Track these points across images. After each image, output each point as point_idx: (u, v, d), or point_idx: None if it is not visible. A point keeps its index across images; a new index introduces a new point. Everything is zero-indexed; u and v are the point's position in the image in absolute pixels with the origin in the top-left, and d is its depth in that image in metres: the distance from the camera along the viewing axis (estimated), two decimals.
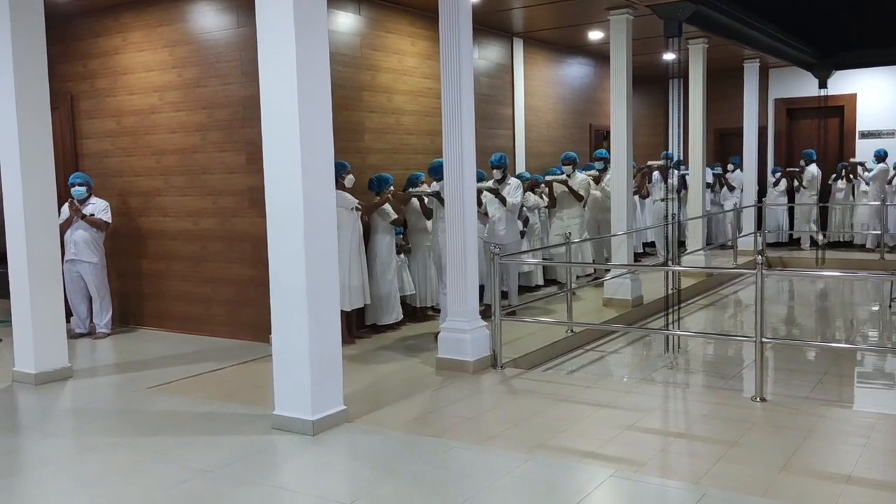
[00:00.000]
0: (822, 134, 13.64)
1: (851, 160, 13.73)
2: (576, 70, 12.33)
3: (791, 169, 13.79)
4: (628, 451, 4.37)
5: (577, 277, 9.74)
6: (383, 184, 7.49)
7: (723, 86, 13.75)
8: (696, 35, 10.56)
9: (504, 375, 6.06)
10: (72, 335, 7.40)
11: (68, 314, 7.25)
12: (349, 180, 7.16)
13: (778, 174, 14.18)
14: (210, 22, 7.34)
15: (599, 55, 12.22)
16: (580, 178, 9.65)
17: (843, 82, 13.59)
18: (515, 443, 4.54)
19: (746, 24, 9.20)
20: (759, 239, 12.77)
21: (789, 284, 11.39)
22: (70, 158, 8.27)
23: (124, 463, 4.42)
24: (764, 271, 5.28)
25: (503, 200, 7.86)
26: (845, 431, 4.74)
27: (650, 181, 12.18)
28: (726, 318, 9.35)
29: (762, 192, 13.91)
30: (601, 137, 12.86)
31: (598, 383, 6.02)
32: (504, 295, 7.66)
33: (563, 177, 9.54)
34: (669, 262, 7.94)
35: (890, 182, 13.14)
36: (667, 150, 11.07)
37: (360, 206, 7.11)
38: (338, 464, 4.39)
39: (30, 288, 6.04)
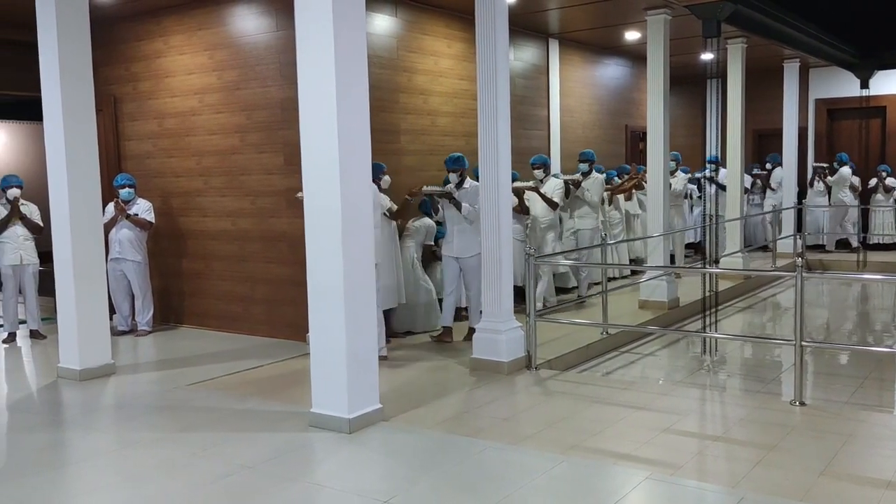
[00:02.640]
0: (863, 135, 13.41)
1: (815, 164, 13.62)
2: (612, 71, 12.26)
3: (759, 172, 13.62)
4: (664, 454, 4.35)
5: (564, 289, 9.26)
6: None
7: (762, 86, 13.58)
8: (735, 35, 10.44)
9: (539, 376, 6.06)
10: (114, 332, 7.55)
11: (111, 312, 7.40)
12: (385, 181, 7.21)
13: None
14: (249, 25, 7.46)
15: (636, 55, 12.14)
16: (553, 184, 8.49)
17: (886, 82, 13.33)
18: (550, 444, 4.54)
19: (786, 24, 9.08)
20: (799, 241, 12.58)
21: (829, 287, 11.21)
22: (113, 159, 8.45)
23: (166, 457, 4.51)
24: (804, 274, 5.22)
25: (458, 206, 6.97)
26: (885, 436, 4.66)
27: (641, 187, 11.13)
28: (765, 322, 9.23)
29: (802, 194, 13.70)
30: (637, 138, 12.78)
31: (634, 385, 6.00)
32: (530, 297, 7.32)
33: (530, 183, 8.45)
34: (707, 265, 7.85)
35: (854, 189, 13.21)
36: (677, 152, 10.80)
37: (388, 213, 7.08)
38: (374, 462, 4.44)
39: (75, 286, 6.19)
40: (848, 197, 13.30)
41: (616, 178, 10.84)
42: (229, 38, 7.59)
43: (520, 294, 7.09)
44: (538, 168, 8.52)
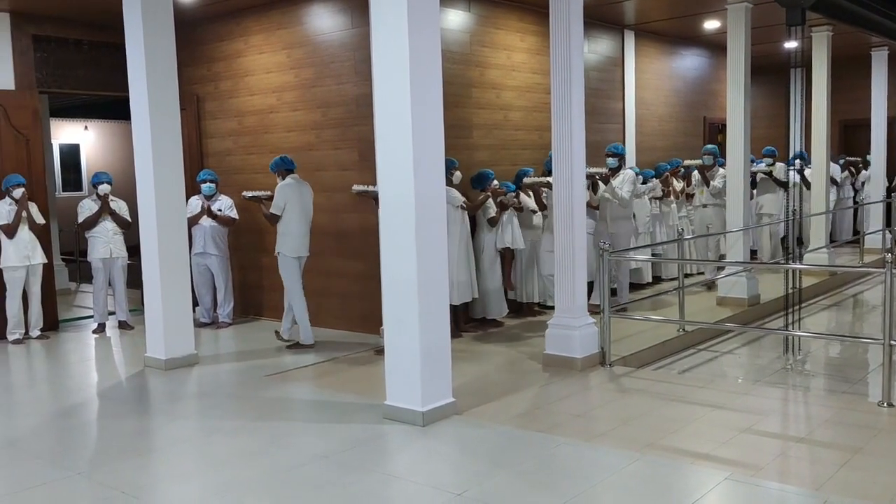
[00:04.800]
0: None
1: (847, 158, 12.87)
2: (690, 62, 11.98)
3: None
4: (744, 455, 4.24)
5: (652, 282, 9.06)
6: (484, 180, 7.48)
7: (849, 75, 13.03)
8: (821, 22, 10.05)
9: (613, 373, 5.99)
10: (196, 324, 7.78)
11: (194, 304, 7.64)
12: (457, 177, 7.23)
13: None
14: (325, 23, 7.58)
15: (716, 46, 11.84)
16: None
17: None
18: (625, 441, 4.49)
19: (874, 11, 8.67)
20: (889, 236, 12.05)
21: None
22: (196, 157, 8.72)
23: (246, 445, 4.65)
24: (894, 270, 5.00)
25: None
26: None
27: (689, 184, 10.10)
28: (851, 320, 8.88)
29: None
30: (716, 130, 12.47)
31: (712, 384, 5.86)
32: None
33: (545, 178, 7.72)
34: (789, 260, 7.61)
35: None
36: (715, 144, 10.18)
37: (465, 205, 7.12)
38: (447, 455, 4.47)
39: (161, 279, 6.43)
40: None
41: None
42: (306, 36, 7.74)
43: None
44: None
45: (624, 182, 8.12)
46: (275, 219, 7.00)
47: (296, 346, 7.08)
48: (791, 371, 6.59)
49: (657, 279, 9.80)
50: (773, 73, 12.93)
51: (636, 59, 10.60)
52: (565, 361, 6.07)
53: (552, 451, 4.37)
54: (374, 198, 6.76)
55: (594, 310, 6.40)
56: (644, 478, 4.00)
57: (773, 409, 5.17)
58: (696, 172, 9.87)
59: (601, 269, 6.34)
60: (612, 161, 8.15)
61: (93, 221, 7.94)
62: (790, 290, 6.79)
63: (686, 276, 9.30)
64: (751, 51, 8.42)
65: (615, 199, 8.10)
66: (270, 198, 7.16)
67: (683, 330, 7.13)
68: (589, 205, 7.57)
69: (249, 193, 7.38)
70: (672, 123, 11.55)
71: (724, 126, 9.20)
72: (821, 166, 10.61)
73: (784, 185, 10.48)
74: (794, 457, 4.25)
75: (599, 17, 9.64)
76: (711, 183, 9.38)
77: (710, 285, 9.26)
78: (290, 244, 7.02)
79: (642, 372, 6.14)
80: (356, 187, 7.03)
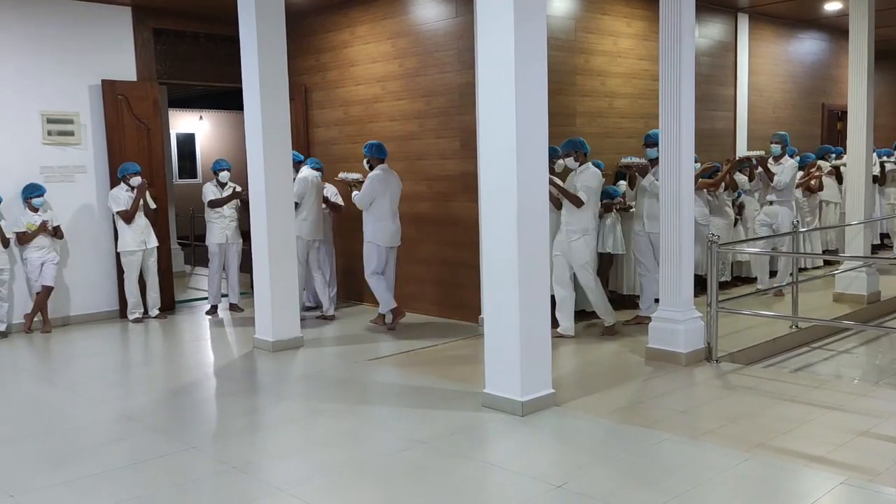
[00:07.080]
0: None
1: None
2: (808, 45, 11.40)
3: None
4: (862, 459, 4.02)
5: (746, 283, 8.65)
6: None
7: None
8: None
9: (720, 370, 5.79)
10: (302, 308, 8.02)
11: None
12: (559, 165, 7.14)
13: None
14: (429, 13, 7.63)
15: (836, 29, 11.22)
16: (588, 175, 6.64)
17: None
18: (732, 440, 4.33)
19: None
20: None
21: None
22: (303, 146, 8.95)
23: (348, 427, 4.76)
24: None
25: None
26: None
27: (751, 178, 8.73)
28: None
29: None
30: (836, 118, 11.83)
31: (827, 384, 5.58)
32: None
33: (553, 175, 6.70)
34: None
35: None
36: (785, 132, 9.22)
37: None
38: (546, 446, 4.44)
39: (269, 265, 6.64)
40: None
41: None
42: (410, 25, 7.81)
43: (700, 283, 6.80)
44: (569, 154, 6.71)
45: (659, 174, 6.81)
46: (294, 206, 7.62)
47: (322, 318, 8.01)
48: None
49: (771, 273, 9.38)
50: None
51: (750, 44, 10.17)
52: (669, 356, 5.92)
53: (655, 447, 4.27)
54: (350, 184, 7.52)
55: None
56: (753, 479, 3.85)
57: (892, 411, 4.87)
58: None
59: (710, 261, 6.13)
60: (651, 151, 6.96)
61: (221, 203, 8.34)
62: None
63: (802, 270, 8.84)
64: (874, 34, 7.93)
65: (654, 193, 6.81)
66: (361, 182, 7.48)
67: (796, 327, 6.82)
68: (574, 200, 6.53)
69: (342, 175, 7.72)
70: (787, 111, 11.03)
71: (843, 113, 8.71)
72: None
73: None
74: None
75: (711, 0, 9.29)
76: (776, 177, 8.20)
77: (778, 292, 8.26)
78: (307, 229, 7.78)
79: (751, 369, 5.91)
80: (341, 175, 7.64)
